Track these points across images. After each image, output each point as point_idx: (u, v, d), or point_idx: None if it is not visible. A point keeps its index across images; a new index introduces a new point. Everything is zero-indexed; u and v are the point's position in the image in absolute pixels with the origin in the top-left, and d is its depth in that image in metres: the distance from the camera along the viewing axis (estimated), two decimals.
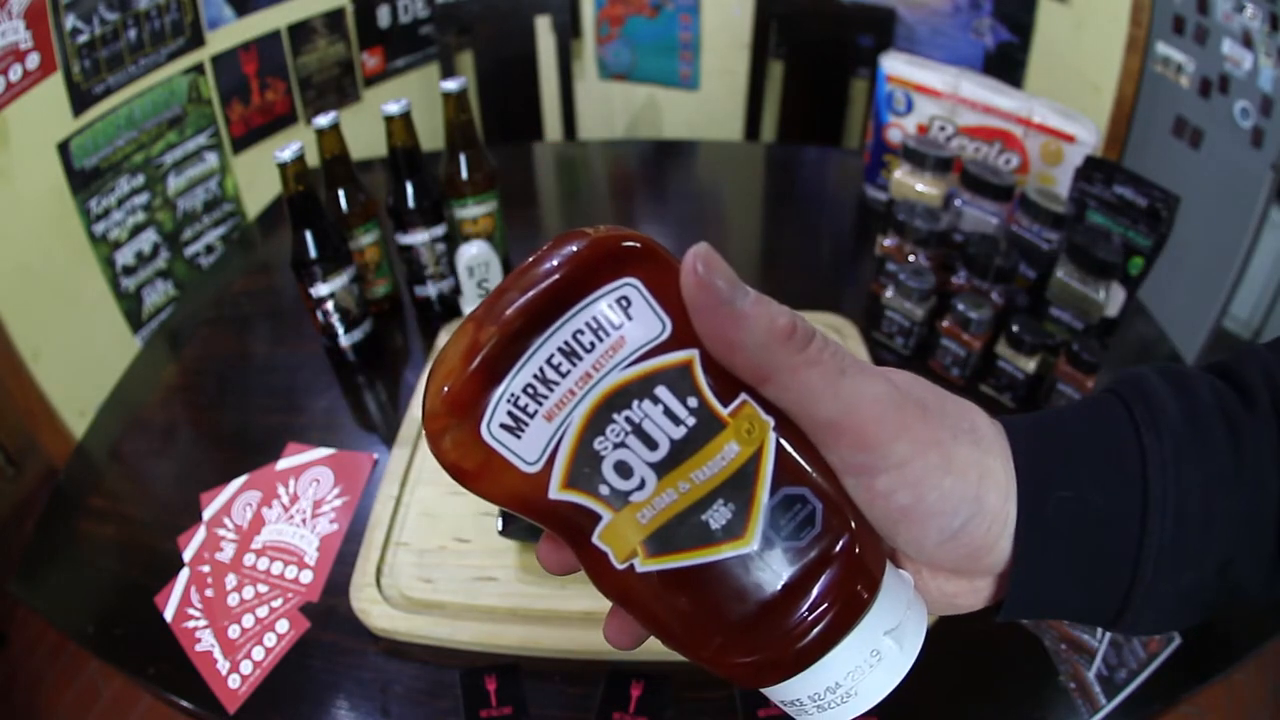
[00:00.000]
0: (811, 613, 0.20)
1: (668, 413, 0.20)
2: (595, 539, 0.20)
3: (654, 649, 0.22)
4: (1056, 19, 1.55)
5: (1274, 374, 0.22)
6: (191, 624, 0.63)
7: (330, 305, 0.81)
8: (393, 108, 0.80)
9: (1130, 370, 0.23)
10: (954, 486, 0.20)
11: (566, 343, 0.19)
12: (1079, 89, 1.58)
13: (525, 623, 0.59)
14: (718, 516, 0.20)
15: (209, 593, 0.65)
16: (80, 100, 1.35)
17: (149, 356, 0.95)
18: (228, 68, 1.59)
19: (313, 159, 0.79)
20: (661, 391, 0.20)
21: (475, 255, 0.84)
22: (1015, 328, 0.75)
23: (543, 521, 0.21)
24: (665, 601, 0.20)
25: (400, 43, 1.93)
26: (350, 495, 0.72)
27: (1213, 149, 1.41)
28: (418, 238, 0.87)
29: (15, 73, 1.24)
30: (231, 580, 0.66)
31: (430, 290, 0.92)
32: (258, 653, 0.60)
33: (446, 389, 0.20)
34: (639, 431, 0.20)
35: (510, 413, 0.19)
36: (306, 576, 0.66)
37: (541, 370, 0.19)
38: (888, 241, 0.89)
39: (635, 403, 0.20)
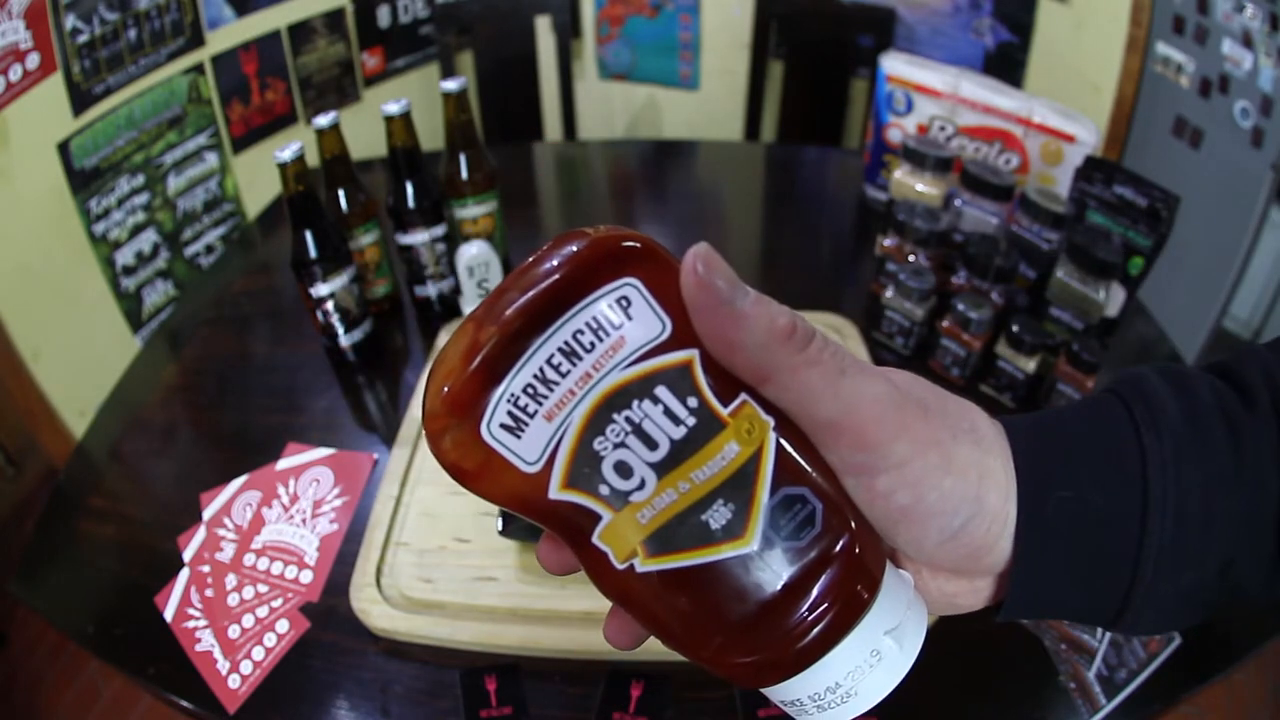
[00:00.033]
0: (812, 613, 0.20)
1: (668, 413, 0.20)
2: (595, 539, 0.20)
3: (654, 649, 0.22)
4: (1056, 19, 1.55)
5: (1274, 374, 0.22)
6: (191, 624, 0.63)
7: (330, 305, 0.81)
8: (393, 108, 0.80)
9: (1130, 370, 0.23)
10: (954, 486, 0.20)
11: (567, 343, 0.19)
12: (1079, 89, 1.58)
13: (525, 623, 0.59)
14: (718, 516, 0.20)
15: (209, 593, 0.65)
16: (80, 100, 1.35)
17: (149, 356, 0.95)
18: (228, 68, 1.59)
19: (313, 159, 0.79)
20: (661, 391, 0.20)
21: (475, 255, 0.84)
22: (1015, 328, 0.75)
23: (543, 521, 0.21)
24: (665, 601, 0.20)
25: (400, 43, 1.93)
26: (350, 495, 0.72)
27: (1213, 149, 1.41)
28: (418, 238, 0.87)
29: (15, 73, 1.24)
30: (231, 580, 0.66)
31: (430, 290, 0.92)
32: (258, 653, 0.60)
33: (446, 389, 0.20)
34: (639, 431, 0.20)
35: (510, 413, 0.19)
36: (306, 576, 0.66)
37: (541, 370, 0.19)
38: (888, 241, 0.89)
39: (635, 403, 0.20)
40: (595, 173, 1.37)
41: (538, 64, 1.74)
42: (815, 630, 0.20)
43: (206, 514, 0.71)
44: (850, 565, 0.20)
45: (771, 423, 0.20)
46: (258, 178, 1.71)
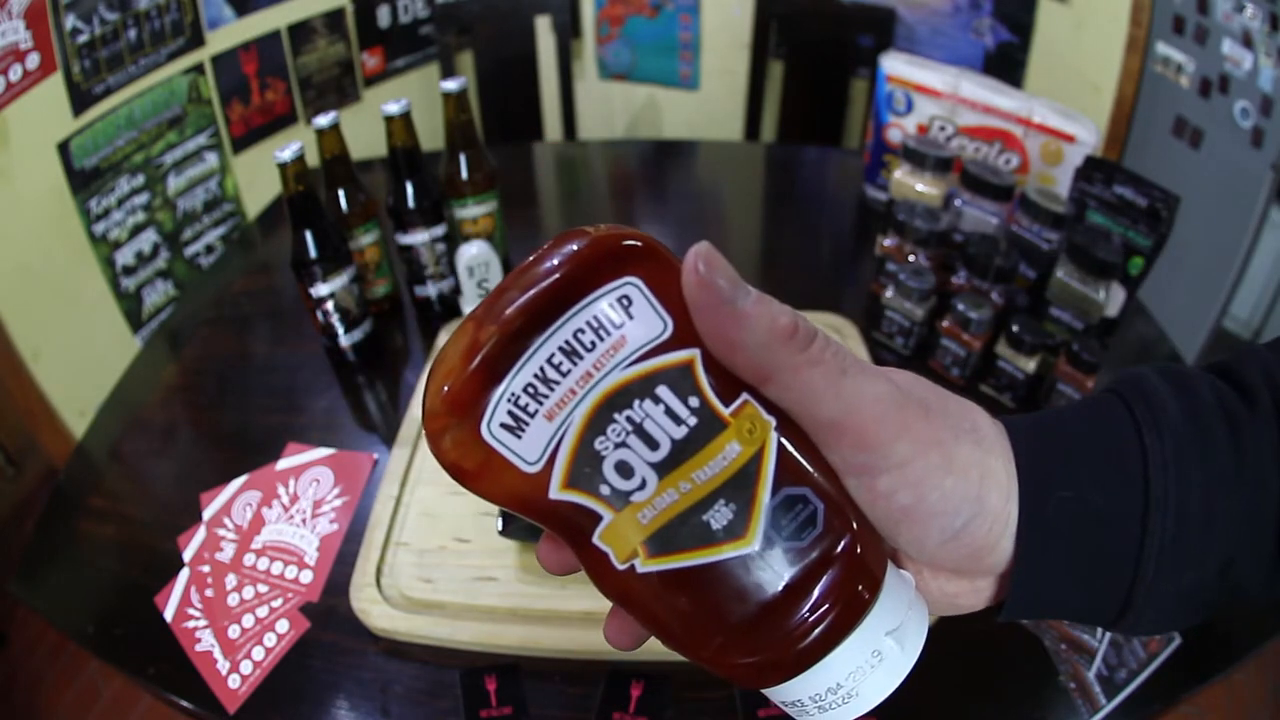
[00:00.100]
0: (813, 613, 0.20)
1: (669, 412, 0.20)
2: (596, 539, 0.20)
3: (654, 649, 0.22)
4: (1056, 19, 1.55)
5: (1274, 373, 0.22)
6: (191, 624, 0.63)
7: (330, 305, 0.81)
8: (393, 108, 0.80)
9: (1130, 370, 0.23)
10: (955, 486, 0.20)
11: (567, 342, 0.19)
12: (1079, 89, 1.58)
13: (525, 623, 0.59)
14: (719, 517, 0.20)
15: (209, 593, 0.65)
16: (80, 100, 1.35)
17: (149, 356, 0.95)
18: (228, 68, 1.59)
19: (313, 159, 0.79)
20: (663, 391, 0.20)
21: (475, 255, 0.84)
22: (1015, 328, 0.75)
23: (543, 521, 0.21)
24: (666, 602, 0.20)
25: (400, 43, 1.93)
26: (350, 495, 0.72)
27: (1213, 149, 1.41)
28: (418, 238, 0.87)
29: (15, 73, 1.24)
30: (231, 580, 0.66)
31: (430, 290, 0.92)
32: (258, 653, 0.60)
33: (446, 388, 0.20)
34: (640, 431, 0.20)
35: (510, 412, 0.19)
36: (306, 576, 0.66)
37: (542, 369, 0.19)
38: (888, 241, 0.89)
39: (636, 402, 0.20)
40: (595, 173, 1.37)
41: (538, 64, 1.74)
42: (816, 631, 0.20)
43: (206, 514, 0.71)
44: (852, 566, 0.20)
45: (773, 422, 0.20)
46: (258, 178, 1.71)
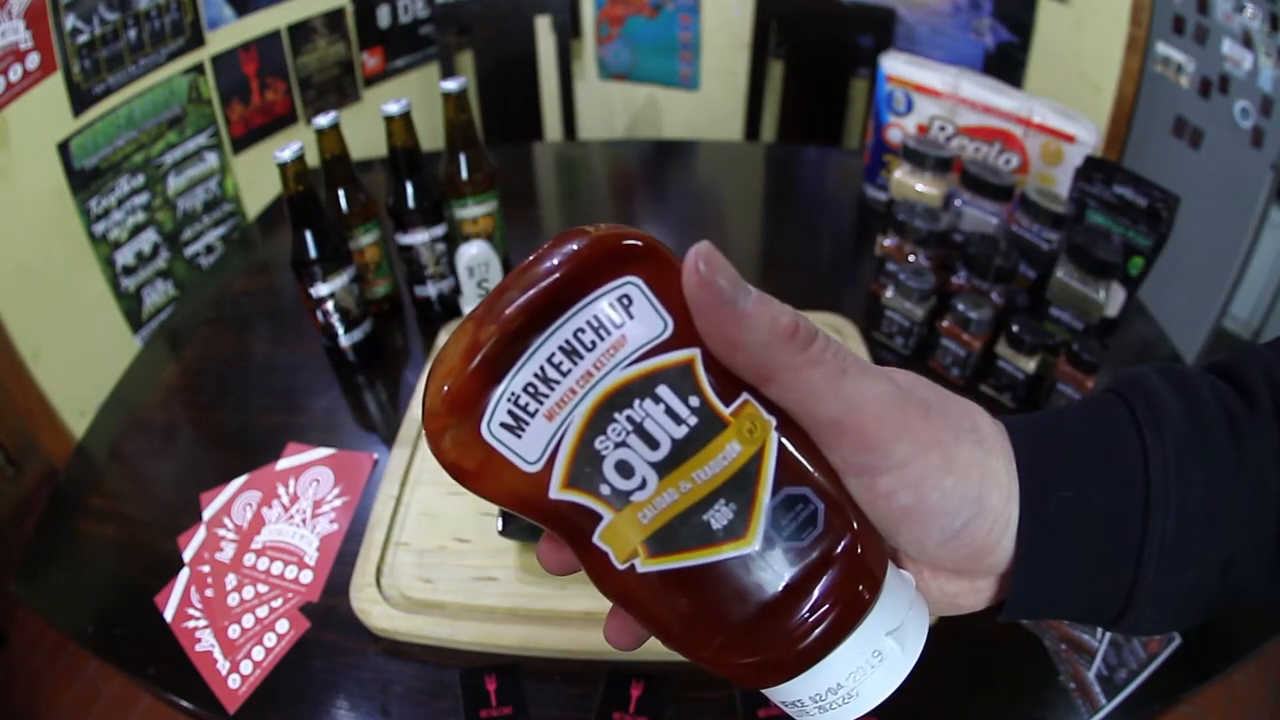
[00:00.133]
0: (813, 613, 0.20)
1: (669, 412, 0.20)
2: (596, 539, 0.20)
3: (654, 649, 0.22)
4: (1056, 19, 1.55)
5: (1274, 373, 0.22)
6: (191, 624, 0.63)
7: (330, 305, 0.81)
8: (393, 108, 0.80)
9: (1131, 370, 0.23)
10: (956, 486, 0.20)
11: (567, 341, 0.19)
12: (1079, 89, 1.58)
13: (525, 623, 0.59)
14: (719, 516, 0.20)
15: (209, 593, 0.65)
16: (80, 100, 1.35)
17: (149, 356, 0.95)
18: (228, 68, 1.59)
19: (313, 159, 0.79)
20: (663, 391, 0.20)
21: (475, 255, 0.84)
22: (1015, 328, 0.75)
23: (543, 521, 0.21)
24: (666, 602, 0.20)
25: (400, 43, 1.93)
26: (350, 495, 0.72)
27: (1213, 149, 1.41)
28: (418, 238, 0.87)
29: (15, 73, 1.24)
30: (231, 580, 0.66)
31: (430, 290, 0.92)
32: (258, 653, 0.60)
33: (446, 388, 0.19)
34: (640, 431, 0.20)
35: (510, 412, 0.19)
36: (306, 576, 0.66)
37: (542, 369, 0.19)
38: (888, 241, 0.89)
39: (636, 402, 0.20)
40: (595, 173, 1.37)
41: (538, 64, 1.74)
42: (817, 631, 0.20)
43: (206, 514, 0.71)
44: (852, 566, 0.20)
45: (773, 422, 0.20)
46: (258, 178, 1.71)
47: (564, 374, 0.19)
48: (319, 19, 1.73)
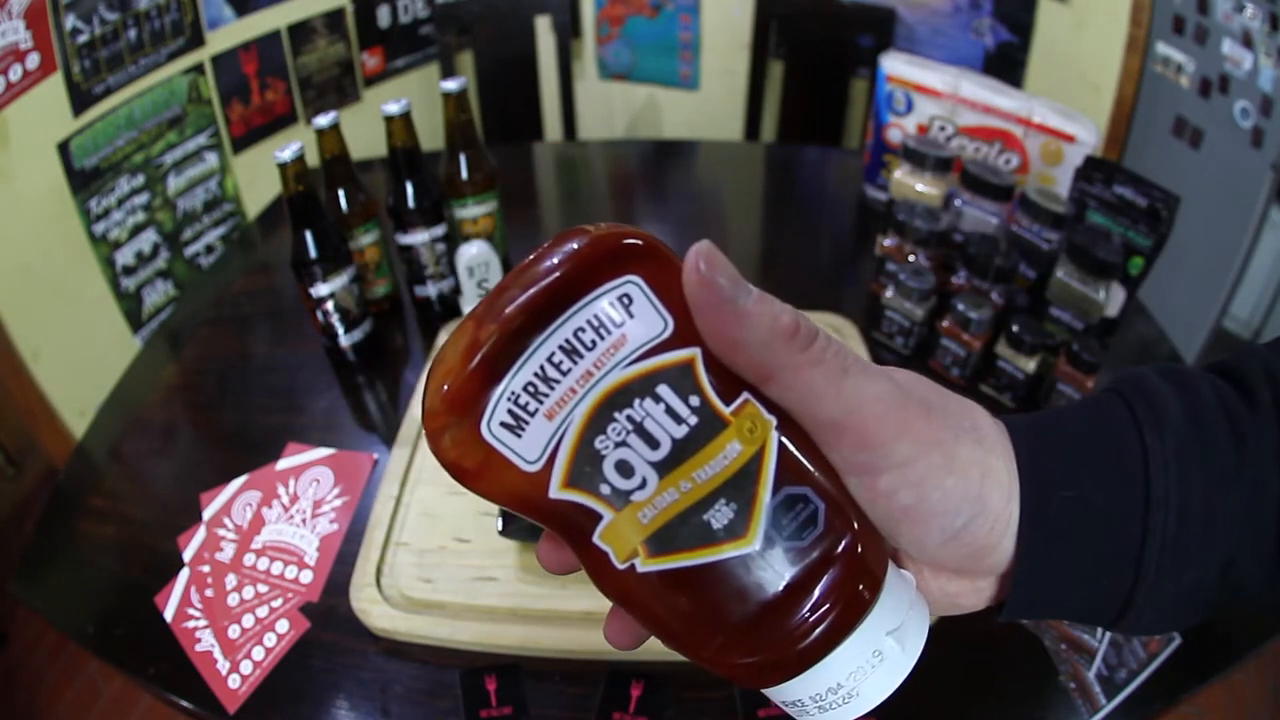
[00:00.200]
0: (813, 613, 0.20)
1: (669, 411, 0.20)
2: (596, 539, 0.20)
3: (654, 649, 0.22)
4: (1056, 19, 1.55)
5: (1275, 373, 0.22)
6: (191, 624, 0.63)
7: (330, 305, 0.81)
8: (393, 108, 0.80)
9: (1131, 370, 0.23)
10: (956, 486, 0.20)
11: (567, 340, 0.19)
12: (1079, 89, 1.58)
13: (525, 623, 0.59)
14: (719, 516, 0.20)
15: (209, 593, 0.65)
16: (80, 100, 1.35)
17: (149, 356, 0.95)
18: (228, 68, 1.59)
19: (313, 159, 0.79)
20: (663, 390, 0.20)
21: (475, 255, 0.84)
22: (1015, 328, 0.75)
23: (543, 521, 0.21)
24: (666, 602, 0.20)
25: (400, 43, 1.93)
26: (350, 495, 0.72)
27: (1213, 149, 1.41)
28: (418, 238, 0.87)
29: (15, 73, 1.24)
30: (231, 580, 0.66)
31: (430, 290, 0.92)
32: (258, 653, 0.60)
33: (446, 387, 0.19)
34: (640, 430, 0.20)
35: (510, 411, 0.19)
36: (306, 576, 0.65)
37: (542, 368, 0.19)
38: (888, 241, 0.89)
39: (637, 401, 0.19)
40: (595, 173, 1.37)
41: (538, 64, 1.74)
42: (817, 631, 0.20)
43: (206, 514, 0.71)
44: (852, 565, 0.20)
45: (774, 422, 0.20)
46: (258, 178, 1.71)
47: (564, 373, 0.19)
48: (319, 19, 1.73)
